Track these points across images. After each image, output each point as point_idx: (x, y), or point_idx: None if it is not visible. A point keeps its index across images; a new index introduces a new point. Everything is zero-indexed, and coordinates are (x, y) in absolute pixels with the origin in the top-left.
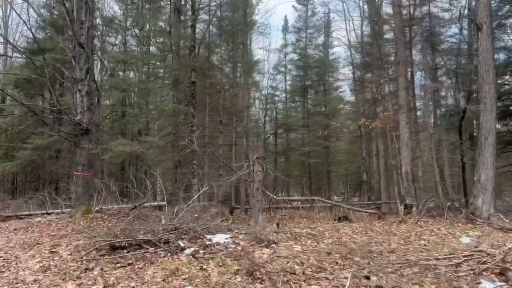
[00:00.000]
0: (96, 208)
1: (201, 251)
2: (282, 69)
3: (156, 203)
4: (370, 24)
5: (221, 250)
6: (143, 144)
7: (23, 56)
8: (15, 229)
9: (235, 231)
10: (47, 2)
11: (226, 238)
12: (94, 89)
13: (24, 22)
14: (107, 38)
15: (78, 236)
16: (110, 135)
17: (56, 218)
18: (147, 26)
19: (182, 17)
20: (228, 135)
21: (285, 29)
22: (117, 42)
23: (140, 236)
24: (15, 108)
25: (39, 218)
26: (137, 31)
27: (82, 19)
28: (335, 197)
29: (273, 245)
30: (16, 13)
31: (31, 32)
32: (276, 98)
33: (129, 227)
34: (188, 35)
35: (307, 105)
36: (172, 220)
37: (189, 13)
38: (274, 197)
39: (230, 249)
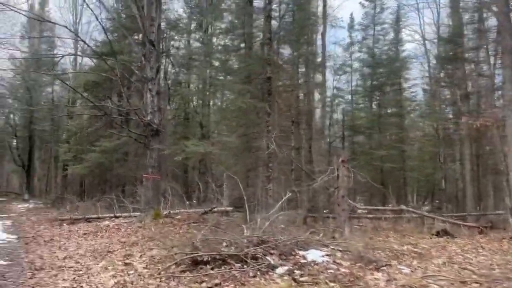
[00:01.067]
0: (164, 213)
1: (297, 271)
2: (348, 69)
3: (223, 209)
4: (452, 15)
5: (321, 272)
6: (217, 145)
7: (93, 58)
8: (85, 234)
9: (331, 247)
10: (115, 4)
11: (323, 256)
12: (164, 88)
13: (99, 22)
14: (172, 42)
15: (151, 244)
16: (173, 138)
17: (125, 222)
18: (210, 28)
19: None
20: (295, 138)
21: (351, 27)
22: (181, 45)
23: (223, 249)
24: (85, 110)
25: (107, 222)
26: (200, 31)
27: (152, 16)
28: (403, 206)
29: (384, 267)
30: (91, 10)
31: (105, 32)
32: (342, 100)
33: (210, 237)
34: (264, 27)
35: (377, 106)
36: (255, 231)
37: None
38: (356, 205)
39: (331, 271)
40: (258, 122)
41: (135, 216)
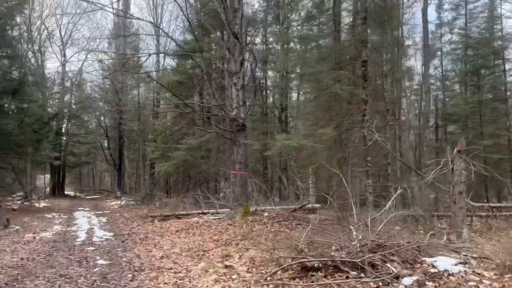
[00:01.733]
0: (251, 210)
1: (429, 283)
2: (437, 52)
3: (311, 206)
4: None
5: (461, 285)
6: (309, 138)
7: (177, 56)
8: (177, 231)
9: (463, 253)
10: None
11: (456, 264)
12: (248, 82)
13: (186, 15)
14: (248, 37)
15: (246, 244)
16: (253, 134)
17: (214, 219)
18: (287, 20)
19: None
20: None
21: (439, 7)
22: (258, 40)
23: (333, 253)
24: (169, 110)
25: (196, 218)
26: (277, 23)
27: (235, 7)
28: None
29: None
30: (180, 7)
31: (190, 25)
32: (432, 86)
33: (317, 239)
34: (355, 7)
35: (474, 92)
36: (367, 234)
37: None
38: (471, 203)
39: (473, 284)
40: (350, 112)
41: (222, 213)
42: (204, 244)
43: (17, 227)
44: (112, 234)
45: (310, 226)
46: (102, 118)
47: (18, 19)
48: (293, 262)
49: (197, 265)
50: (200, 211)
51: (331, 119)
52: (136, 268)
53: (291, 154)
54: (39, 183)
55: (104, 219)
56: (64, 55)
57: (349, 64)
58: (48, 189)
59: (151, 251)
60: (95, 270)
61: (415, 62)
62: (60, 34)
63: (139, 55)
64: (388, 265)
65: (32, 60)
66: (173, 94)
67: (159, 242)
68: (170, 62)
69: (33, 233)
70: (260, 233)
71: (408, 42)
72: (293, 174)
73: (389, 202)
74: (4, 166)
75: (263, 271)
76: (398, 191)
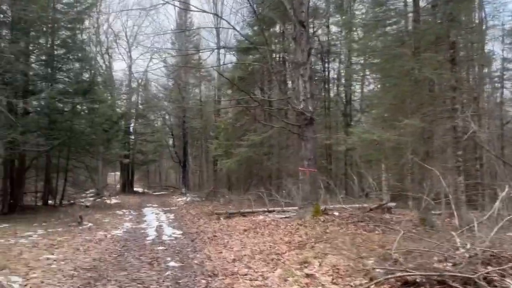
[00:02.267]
0: (321, 209)
1: None
2: None
3: (387, 204)
4: None
5: None
6: (391, 130)
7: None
8: (245, 230)
9: None
10: None
11: None
12: (315, 74)
13: (253, 8)
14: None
15: (322, 247)
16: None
17: (281, 218)
18: (349, 10)
19: None
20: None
21: None
22: (319, 32)
23: (436, 264)
24: (231, 106)
25: (261, 217)
26: (340, 13)
27: None
28: None
29: None
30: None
31: (256, 16)
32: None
33: (413, 247)
34: None
35: None
36: (475, 241)
37: None
38: None
39: None
40: (437, 100)
41: (288, 212)
42: (275, 246)
43: (89, 224)
44: (180, 232)
45: (402, 231)
46: (167, 117)
47: (86, 23)
48: (390, 276)
49: (273, 272)
50: (266, 209)
51: (416, 109)
52: (209, 273)
53: (360, 149)
54: (110, 180)
55: (171, 216)
56: (130, 57)
57: (433, 46)
58: (118, 186)
59: (221, 252)
60: (166, 273)
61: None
62: (126, 36)
63: (203, 50)
64: (509, 280)
65: (101, 62)
66: (238, 88)
67: (228, 242)
68: (230, 59)
69: (105, 231)
70: (335, 235)
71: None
72: (361, 170)
73: (497, 202)
74: (78, 165)
75: (351, 284)
76: (506, 190)
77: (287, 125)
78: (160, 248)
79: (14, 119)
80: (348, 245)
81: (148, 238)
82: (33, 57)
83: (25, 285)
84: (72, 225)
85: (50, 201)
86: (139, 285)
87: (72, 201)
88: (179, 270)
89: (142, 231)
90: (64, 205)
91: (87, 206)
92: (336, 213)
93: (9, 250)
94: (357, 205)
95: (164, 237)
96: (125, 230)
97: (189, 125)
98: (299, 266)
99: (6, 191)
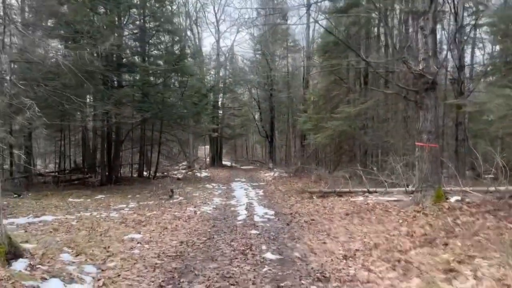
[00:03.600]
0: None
1: None
2: None
3: None
4: None
5: None
6: None
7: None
8: (346, 214)
9: None
10: None
11: None
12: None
13: None
14: None
15: (460, 245)
16: None
17: (387, 201)
18: None
19: None
20: None
21: None
22: None
23: None
24: (323, 77)
25: (361, 198)
26: None
27: None
28: None
29: None
30: None
31: None
32: None
33: None
34: None
35: None
36: None
37: None
38: None
39: None
40: None
41: (393, 193)
42: (393, 239)
43: (180, 198)
44: (273, 212)
45: None
46: (254, 91)
47: None
48: None
49: (408, 282)
50: (365, 190)
51: None
52: (318, 275)
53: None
54: (200, 154)
55: (260, 192)
56: (218, 31)
57: None
58: (208, 160)
59: (325, 243)
60: (263, 270)
61: None
62: (214, 10)
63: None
64: None
65: (189, 34)
66: (345, 44)
67: (330, 229)
68: (318, 29)
69: (194, 207)
70: (471, 229)
71: None
72: (487, 147)
73: None
74: (170, 138)
75: None
76: None
77: (402, 90)
78: (253, 232)
79: (108, 92)
80: (497, 243)
81: (239, 218)
82: (126, 30)
83: (98, 279)
84: (164, 198)
85: (145, 173)
86: (231, 284)
87: (165, 173)
88: (278, 265)
89: (232, 208)
90: (157, 177)
91: (178, 179)
92: (468, 200)
93: (98, 225)
94: (483, 189)
95: (256, 218)
96: (214, 206)
97: (276, 98)
98: (443, 276)
99: (104, 163)
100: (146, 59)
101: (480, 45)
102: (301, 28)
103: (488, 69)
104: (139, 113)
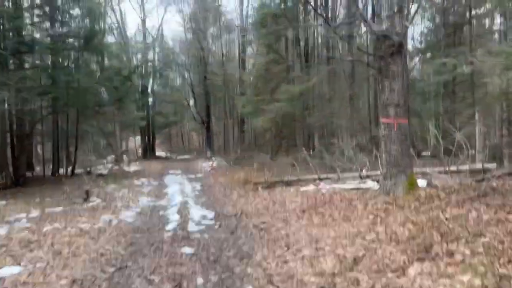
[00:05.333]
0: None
1: None
2: None
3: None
4: None
5: None
6: None
7: None
8: (303, 211)
9: None
10: None
11: None
12: None
13: None
14: None
15: (463, 250)
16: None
17: (346, 191)
18: None
19: None
20: None
21: None
22: None
23: None
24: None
25: (312, 187)
26: None
27: None
28: None
29: None
30: None
31: None
32: None
33: None
34: None
35: None
36: None
37: None
38: None
39: None
40: None
41: (347, 179)
42: (374, 247)
43: (97, 200)
44: (212, 215)
45: None
46: (186, 75)
47: None
48: None
49: None
50: (316, 176)
51: None
52: None
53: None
54: (132, 145)
55: (198, 186)
56: (143, 9)
57: None
58: (140, 151)
59: (286, 262)
60: None
61: None
62: None
63: None
64: None
65: (110, 12)
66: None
67: (288, 235)
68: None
69: (112, 213)
70: (467, 225)
71: None
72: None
73: None
74: (90, 130)
75: None
76: None
77: (363, 55)
78: (186, 251)
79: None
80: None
81: (168, 228)
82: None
83: None
84: (78, 202)
85: (62, 171)
86: None
87: (89, 170)
88: None
89: (161, 212)
90: (76, 175)
91: (101, 175)
92: (429, 183)
93: None
94: (441, 169)
95: (191, 226)
96: (138, 210)
97: (211, 81)
98: None
99: (6, 161)
100: (52, 35)
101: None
102: (234, 4)
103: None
104: (46, 100)
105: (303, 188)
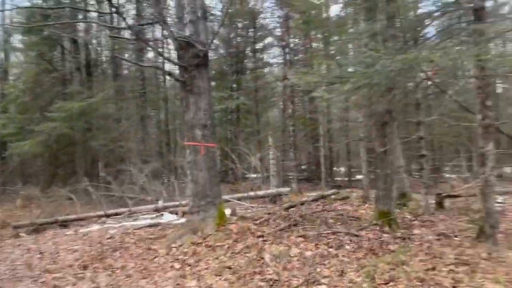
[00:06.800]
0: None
1: None
2: None
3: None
4: None
5: None
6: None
7: None
8: (84, 266)
9: None
10: None
11: None
12: None
13: None
14: None
15: None
16: None
17: (139, 229)
18: None
19: None
20: None
21: None
22: None
23: None
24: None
25: (97, 227)
26: None
27: None
28: None
29: None
30: None
31: None
32: None
33: None
34: None
35: None
36: None
37: None
38: None
39: None
40: None
41: (141, 213)
42: None
43: None
44: None
45: None
46: None
47: None
48: None
49: None
50: (102, 213)
51: None
52: None
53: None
54: None
55: None
56: None
57: None
58: None
59: None
60: None
61: None
62: None
63: None
64: None
65: None
66: None
67: None
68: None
69: None
70: (288, 265)
71: None
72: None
73: None
74: None
75: None
76: None
77: (173, 63)
78: None
79: None
80: None
81: None
82: None
83: None
84: None
85: None
86: None
87: None
88: None
89: None
90: None
91: None
92: (232, 213)
93: None
94: (241, 195)
95: None
96: None
97: None
98: None
99: None
100: None
101: None
102: None
103: None
104: None
105: (84, 230)
